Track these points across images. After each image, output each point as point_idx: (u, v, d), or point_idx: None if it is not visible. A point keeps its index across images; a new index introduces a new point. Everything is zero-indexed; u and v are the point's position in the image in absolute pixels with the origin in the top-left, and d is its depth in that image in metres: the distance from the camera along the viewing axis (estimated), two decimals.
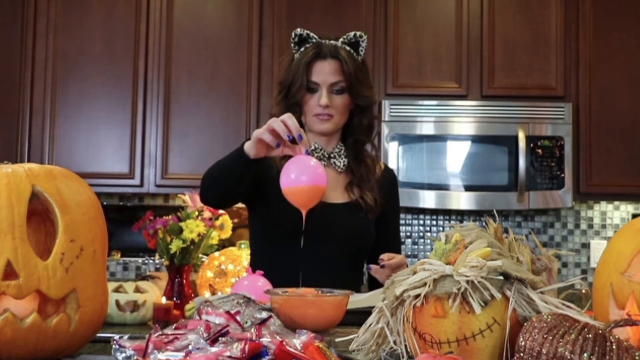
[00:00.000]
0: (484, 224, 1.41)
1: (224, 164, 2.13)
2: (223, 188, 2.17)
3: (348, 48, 2.31)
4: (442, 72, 4.23)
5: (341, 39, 2.32)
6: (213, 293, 3.40)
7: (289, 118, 1.92)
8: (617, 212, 4.55)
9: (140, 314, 3.02)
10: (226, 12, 4.26)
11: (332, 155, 2.36)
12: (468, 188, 4.13)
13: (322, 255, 2.21)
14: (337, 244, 2.25)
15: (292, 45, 2.34)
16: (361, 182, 2.34)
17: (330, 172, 2.35)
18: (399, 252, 2.40)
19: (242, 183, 2.13)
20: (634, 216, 4.53)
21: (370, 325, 1.34)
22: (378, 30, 4.22)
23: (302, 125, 2.33)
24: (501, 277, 1.18)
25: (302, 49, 2.32)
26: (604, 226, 4.56)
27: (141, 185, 4.19)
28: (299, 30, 2.33)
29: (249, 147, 2.01)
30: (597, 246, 4.54)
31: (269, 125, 1.93)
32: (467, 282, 1.17)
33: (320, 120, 2.29)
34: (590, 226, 4.57)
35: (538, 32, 4.22)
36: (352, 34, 2.32)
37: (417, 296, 1.21)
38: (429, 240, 4.51)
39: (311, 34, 2.33)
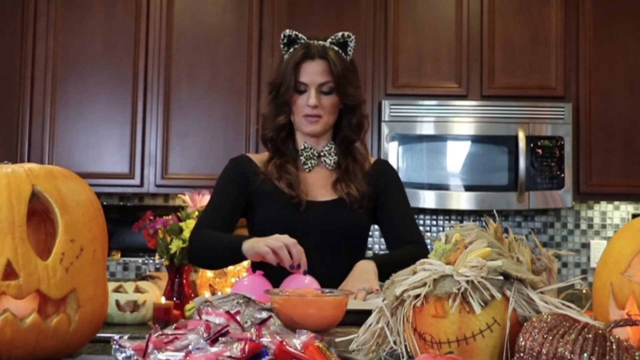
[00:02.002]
0: (484, 224, 1.41)
1: (218, 250, 2.24)
2: (212, 264, 2.46)
3: (336, 48, 2.34)
4: (442, 72, 4.22)
5: (329, 40, 2.35)
6: (213, 293, 3.40)
7: (294, 246, 2.01)
8: (617, 212, 4.55)
9: (140, 314, 3.02)
10: (226, 12, 4.26)
11: (322, 154, 2.40)
12: (468, 188, 4.12)
13: (315, 251, 2.21)
14: (326, 239, 2.28)
15: (282, 46, 2.38)
16: (346, 176, 2.36)
17: (320, 171, 2.40)
18: (413, 233, 2.38)
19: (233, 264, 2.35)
20: (634, 216, 4.53)
21: (370, 325, 1.34)
22: (378, 30, 4.22)
23: (291, 125, 2.39)
24: (501, 277, 1.18)
25: (291, 50, 2.35)
26: (604, 226, 4.56)
27: (141, 185, 4.19)
28: (287, 32, 2.37)
29: (247, 251, 2.10)
30: (597, 246, 4.54)
31: (274, 247, 2.01)
32: (467, 282, 1.16)
33: (309, 121, 2.33)
34: (590, 226, 4.57)
35: (538, 32, 4.22)
36: (340, 34, 2.35)
37: (417, 296, 1.21)
38: (429, 240, 4.51)
39: (299, 35, 2.36)
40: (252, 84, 4.20)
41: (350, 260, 2.25)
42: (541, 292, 1.20)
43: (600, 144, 4.18)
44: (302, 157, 2.38)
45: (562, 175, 4.10)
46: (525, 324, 1.13)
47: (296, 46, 2.34)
